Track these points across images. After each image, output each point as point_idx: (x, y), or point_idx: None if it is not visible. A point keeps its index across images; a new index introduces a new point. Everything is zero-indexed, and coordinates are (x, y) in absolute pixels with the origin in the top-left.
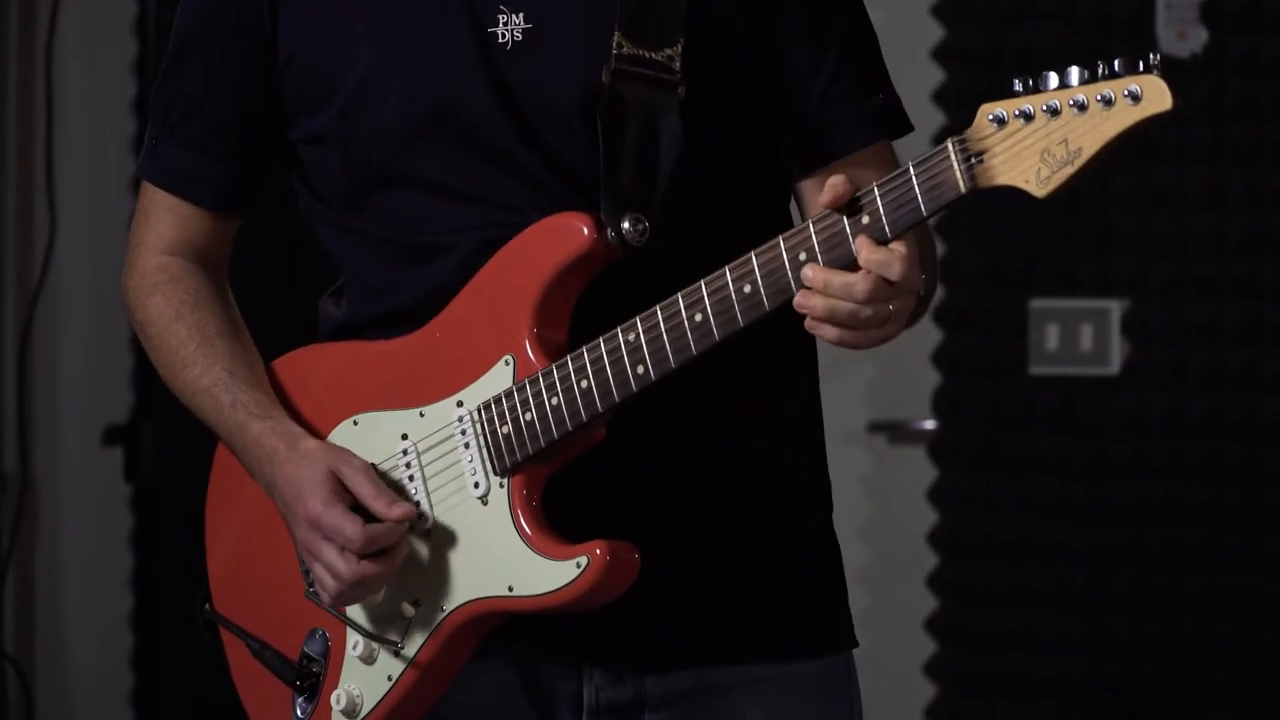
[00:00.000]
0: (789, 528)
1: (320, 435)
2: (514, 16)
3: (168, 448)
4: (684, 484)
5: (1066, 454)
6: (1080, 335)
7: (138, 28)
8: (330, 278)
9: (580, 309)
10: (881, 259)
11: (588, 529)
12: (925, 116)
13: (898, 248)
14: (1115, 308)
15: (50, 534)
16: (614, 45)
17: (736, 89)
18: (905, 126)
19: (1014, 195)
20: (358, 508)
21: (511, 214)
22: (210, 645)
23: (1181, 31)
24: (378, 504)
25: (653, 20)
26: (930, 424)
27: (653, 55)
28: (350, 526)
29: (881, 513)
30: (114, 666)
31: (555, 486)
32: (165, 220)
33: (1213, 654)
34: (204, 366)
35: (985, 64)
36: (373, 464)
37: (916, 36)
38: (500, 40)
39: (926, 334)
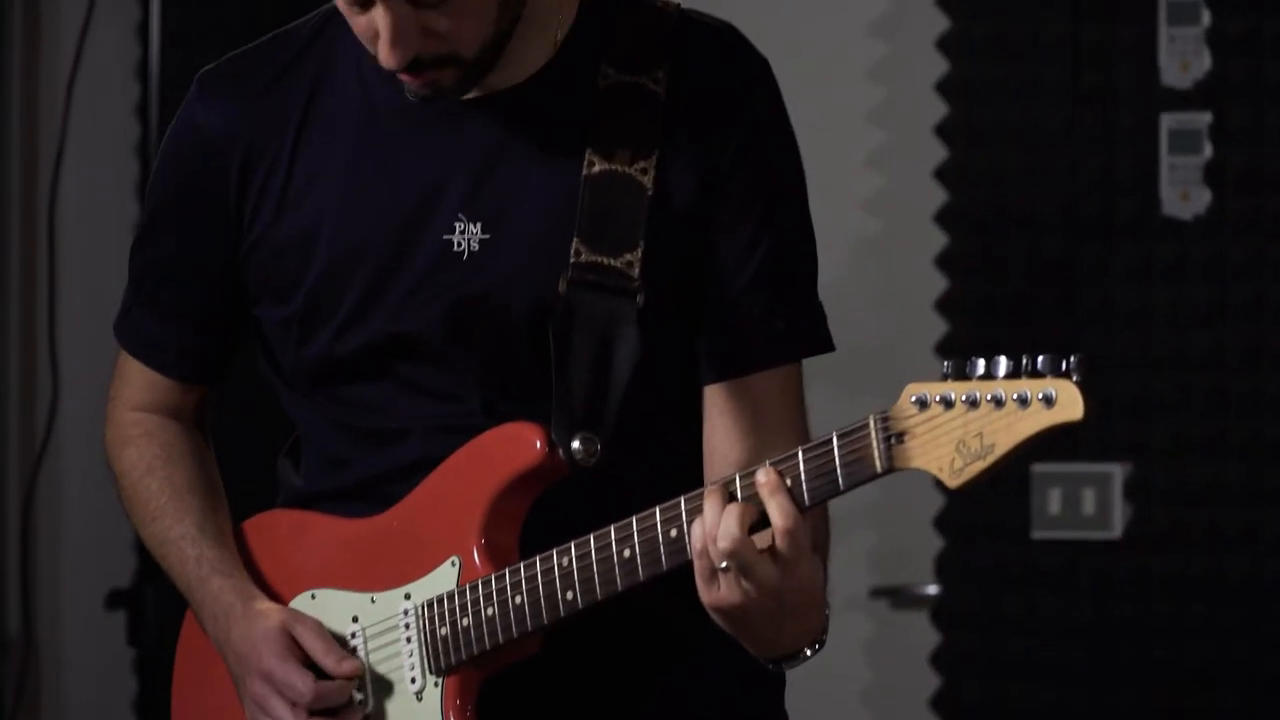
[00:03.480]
0: None
1: (282, 602)
2: (471, 225)
3: (171, 612)
4: (620, 697)
5: (1069, 617)
6: (1083, 499)
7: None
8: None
9: (535, 513)
10: (791, 525)
11: None
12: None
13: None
14: (1118, 471)
15: (53, 697)
16: (571, 253)
17: (689, 291)
18: (806, 351)
19: None
20: (311, 669)
21: (467, 409)
22: None
23: (1185, 193)
24: (328, 660)
25: (613, 224)
26: (933, 588)
27: (611, 262)
28: (301, 681)
29: (884, 678)
30: None
31: (493, 685)
32: (137, 381)
33: None
34: (174, 519)
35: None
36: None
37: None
38: (456, 249)
39: (929, 499)
